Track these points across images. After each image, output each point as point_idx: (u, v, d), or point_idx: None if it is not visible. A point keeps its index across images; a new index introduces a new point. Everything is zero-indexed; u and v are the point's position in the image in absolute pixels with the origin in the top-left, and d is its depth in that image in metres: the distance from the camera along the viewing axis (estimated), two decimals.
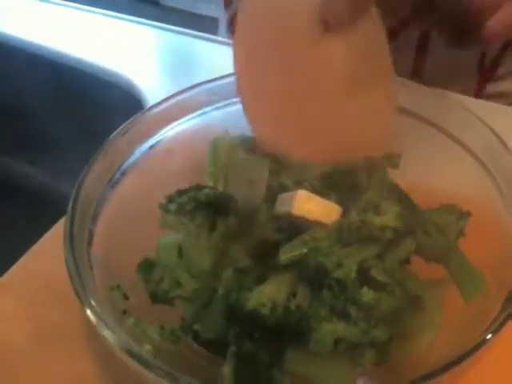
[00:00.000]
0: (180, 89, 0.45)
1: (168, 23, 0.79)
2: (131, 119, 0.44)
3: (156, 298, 0.39)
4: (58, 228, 0.52)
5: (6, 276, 0.49)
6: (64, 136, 0.79)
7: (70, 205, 0.38)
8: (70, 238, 0.36)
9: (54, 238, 0.51)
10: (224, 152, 0.44)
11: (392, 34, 0.55)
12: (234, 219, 0.40)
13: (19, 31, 0.81)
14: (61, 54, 0.77)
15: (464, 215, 0.40)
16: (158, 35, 0.79)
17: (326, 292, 0.35)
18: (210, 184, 0.44)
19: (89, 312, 0.34)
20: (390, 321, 0.36)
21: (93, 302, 0.34)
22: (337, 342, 0.34)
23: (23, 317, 0.46)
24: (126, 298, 0.38)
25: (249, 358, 0.35)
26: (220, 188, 0.43)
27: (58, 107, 0.79)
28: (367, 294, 0.35)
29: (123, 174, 0.43)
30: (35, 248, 0.51)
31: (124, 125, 0.43)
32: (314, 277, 0.36)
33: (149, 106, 0.65)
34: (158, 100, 0.45)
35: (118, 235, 0.41)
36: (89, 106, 0.76)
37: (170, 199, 0.41)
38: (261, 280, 0.37)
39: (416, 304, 0.38)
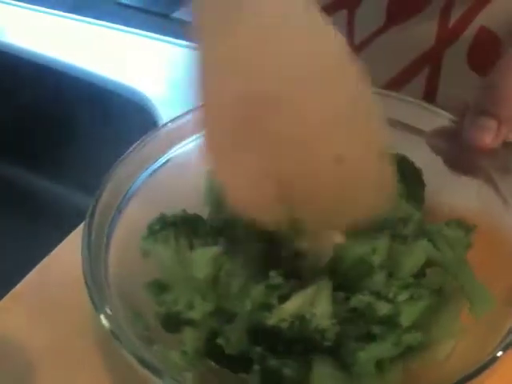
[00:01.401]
0: (191, 102, 0.46)
1: (178, 36, 0.80)
2: (144, 136, 0.44)
3: (167, 321, 0.38)
4: (71, 239, 0.52)
5: (19, 286, 0.49)
6: (77, 148, 0.80)
7: (87, 226, 0.39)
8: (88, 246, 0.37)
9: (66, 250, 0.52)
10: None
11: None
12: (211, 239, 0.40)
13: (32, 44, 0.82)
14: (73, 67, 0.77)
15: (471, 228, 0.41)
16: (169, 49, 0.80)
17: (347, 325, 0.35)
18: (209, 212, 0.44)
19: (103, 318, 0.34)
20: (420, 324, 0.36)
21: (107, 310, 0.35)
22: (378, 364, 0.35)
23: (36, 327, 0.46)
24: (147, 328, 0.38)
25: (274, 376, 0.35)
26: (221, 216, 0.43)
27: (72, 120, 0.80)
28: (382, 308, 0.35)
29: (135, 191, 0.43)
30: (48, 259, 0.51)
31: (137, 143, 0.44)
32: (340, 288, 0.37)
33: (160, 118, 0.66)
34: (170, 112, 0.44)
35: (133, 242, 0.41)
36: (101, 119, 0.77)
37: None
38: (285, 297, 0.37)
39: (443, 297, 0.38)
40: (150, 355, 0.34)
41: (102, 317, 0.34)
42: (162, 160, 0.45)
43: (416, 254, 0.39)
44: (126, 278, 0.39)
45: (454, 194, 0.44)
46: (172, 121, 0.45)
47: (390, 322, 0.35)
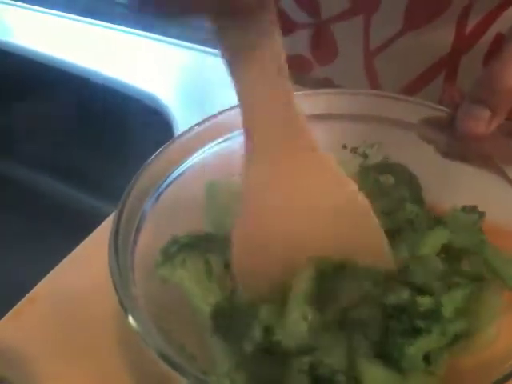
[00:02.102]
0: (205, 106, 0.45)
1: (190, 40, 0.80)
2: (168, 143, 0.43)
3: None
4: (87, 243, 0.52)
5: (35, 290, 0.49)
6: (91, 150, 0.80)
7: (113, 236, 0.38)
8: (115, 248, 0.36)
9: (82, 253, 0.51)
10: (222, 198, 0.44)
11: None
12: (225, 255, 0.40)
13: (47, 48, 0.82)
14: (86, 70, 0.77)
15: (481, 214, 0.42)
16: (184, 54, 0.80)
17: (391, 322, 0.35)
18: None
19: (131, 319, 0.34)
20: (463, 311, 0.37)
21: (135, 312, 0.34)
22: (426, 358, 0.35)
23: (52, 331, 0.46)
24: (194, 358, 0.37)
25: None
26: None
27: (85, 123, 0.80)
28: (424, 302, 0.36)
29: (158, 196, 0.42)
30: (64, 263, 0.51)
31: (161, 148, 0.43)
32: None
33: (175, 122, 0.66)
34: (183, 114, 0.43)
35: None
36: (115, 122, 0.77)
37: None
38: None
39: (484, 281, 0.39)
40: (178, 356, 0.34)
41: (130, 318, 0.34)
42: (185, 166, 0.44)
43: (435, 235, 0.40)
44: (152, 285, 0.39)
45: (465, 191, 0.44)
46: (197, 124, 0.45)
47: (434, 316, 0.35)
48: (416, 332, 0.35)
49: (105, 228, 0.52)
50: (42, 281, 0.49)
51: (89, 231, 0.53)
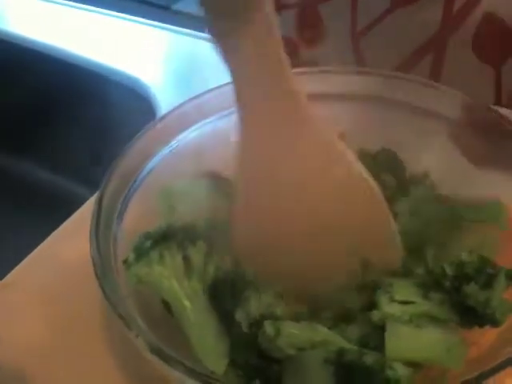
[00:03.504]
0: (190, 90, 0.45)
1: (176, 24, 0.80)
2: (151, 123, 0.43)
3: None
4: (62, 230, 0.51)
5: (8, 277, 0.48)
6: (75, 136, 0.79)
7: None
8: (97, 237, 0.35)
9: (60, 238, 0.50)
10: (179, 199, 0.42)
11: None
12: (203, 243, 0.38)
13: (34, 33, 0.82)
14: (72, 55, 0.77)
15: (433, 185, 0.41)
16: (169, 38, 0.80)
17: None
18: None
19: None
20: None
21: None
22: None
23: (24, 318, 0.44)
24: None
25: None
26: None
27: (70, 108, 0.80)
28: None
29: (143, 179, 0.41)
30: (40, 248, 0.50)
31: (142, 131, 0.42)
32: None
33: (159, 105, 0.66)
34: (168, 99, 0.43)
35: None
36: (99, 107, 0.77)
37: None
38: None
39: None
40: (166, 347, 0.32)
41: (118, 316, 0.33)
42: (169, 147, 0.43)
43: None
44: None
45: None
46: (179, 106, 0.43)
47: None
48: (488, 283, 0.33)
49: (81, 214, 0.51)
50: (16, 267, 0.48)
51: (66, 217, 0.51)
